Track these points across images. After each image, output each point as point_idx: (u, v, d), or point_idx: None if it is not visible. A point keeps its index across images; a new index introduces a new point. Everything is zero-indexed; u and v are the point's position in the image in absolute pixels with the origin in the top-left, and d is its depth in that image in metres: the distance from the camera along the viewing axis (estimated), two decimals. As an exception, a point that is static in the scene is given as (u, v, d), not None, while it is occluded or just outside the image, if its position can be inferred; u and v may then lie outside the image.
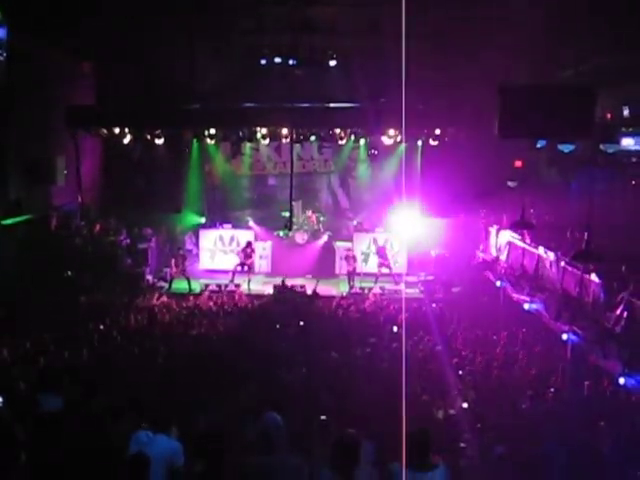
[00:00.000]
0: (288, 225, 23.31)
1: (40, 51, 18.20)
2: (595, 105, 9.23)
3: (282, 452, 6.29)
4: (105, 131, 22.73)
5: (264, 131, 22.91)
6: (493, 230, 22.15)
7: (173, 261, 21.97)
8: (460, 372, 12.28)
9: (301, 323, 15.94)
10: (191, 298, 19.75)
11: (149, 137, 23.03)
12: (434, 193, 23.59)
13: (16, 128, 18.17)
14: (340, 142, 23.97)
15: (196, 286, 21.51)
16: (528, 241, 19.02)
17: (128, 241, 22.85)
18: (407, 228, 22.90)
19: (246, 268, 22.14)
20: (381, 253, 22.86)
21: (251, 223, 24.95)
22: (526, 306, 16.78)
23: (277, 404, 8.03)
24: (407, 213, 22.71)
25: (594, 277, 14.40)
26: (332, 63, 20.62)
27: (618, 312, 13.22)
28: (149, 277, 22.15)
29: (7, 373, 11.04)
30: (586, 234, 12.95)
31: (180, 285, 21.54)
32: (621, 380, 12.00)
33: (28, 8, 16.05)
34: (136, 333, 14.62)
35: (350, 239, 24.49)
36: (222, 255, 24.18)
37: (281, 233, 24.32)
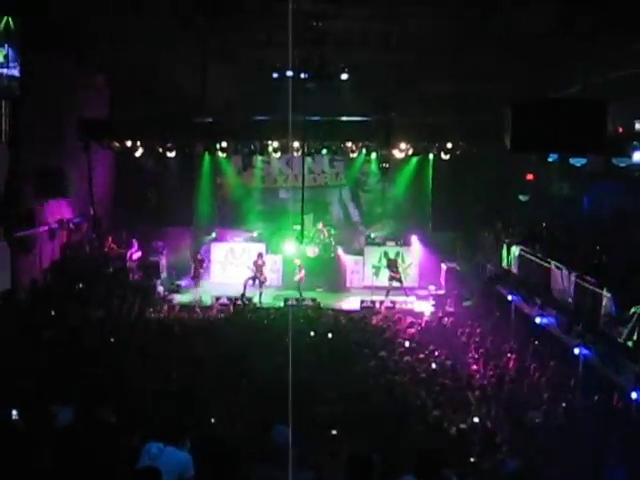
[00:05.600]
0: (299, 238, 23.32)
1: (54, 64, 18.28)
2: (607, 119, 9.21)
3: (293, 466, 6.24)
4: (117, 144, 22.82)
5: (275, 144, 22.93)
6: (504, 243, 22.09)
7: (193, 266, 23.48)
8: (471, 386, 12.25)
9: (312, 333, 15.99)
10: (198, 310, 19.92)
11: (161, 150, 23.10)
12: (446, 206, 23.62)
13: (29, 140, 18.23)
14: (351, 155, 24.00)
15: (207, 299, 21.59)
16: (539, 255, 18.95)
17: (139, 254, 22.95)
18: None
19: (257, 282, 22.16)
20: (392, 267, 22.83)
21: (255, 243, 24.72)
22: (537, 320, 16.71)
23: (286, 417, 7.98)
24: None
25: (605, 291, 14.33)
26: (344, 76, 20.64)
27: (630, 326, 13.15)
28: (160, 289, 22.23)
29: (20, 385, 11.05)
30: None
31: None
32: (633, 395, 11.93)
33: (42, 21, 16.16)
34: (147, 345, 14.62)
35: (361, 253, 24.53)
36: (233, 268, 24.20)
37: (292, 247, 24.27)
